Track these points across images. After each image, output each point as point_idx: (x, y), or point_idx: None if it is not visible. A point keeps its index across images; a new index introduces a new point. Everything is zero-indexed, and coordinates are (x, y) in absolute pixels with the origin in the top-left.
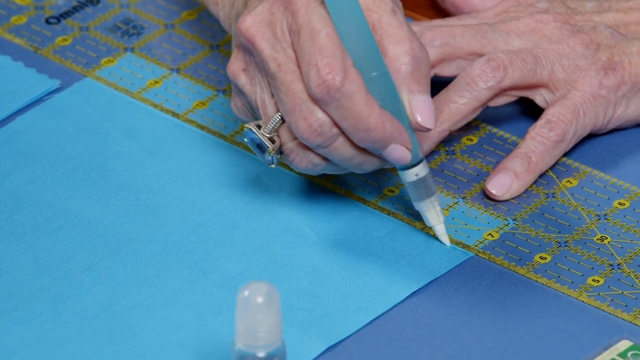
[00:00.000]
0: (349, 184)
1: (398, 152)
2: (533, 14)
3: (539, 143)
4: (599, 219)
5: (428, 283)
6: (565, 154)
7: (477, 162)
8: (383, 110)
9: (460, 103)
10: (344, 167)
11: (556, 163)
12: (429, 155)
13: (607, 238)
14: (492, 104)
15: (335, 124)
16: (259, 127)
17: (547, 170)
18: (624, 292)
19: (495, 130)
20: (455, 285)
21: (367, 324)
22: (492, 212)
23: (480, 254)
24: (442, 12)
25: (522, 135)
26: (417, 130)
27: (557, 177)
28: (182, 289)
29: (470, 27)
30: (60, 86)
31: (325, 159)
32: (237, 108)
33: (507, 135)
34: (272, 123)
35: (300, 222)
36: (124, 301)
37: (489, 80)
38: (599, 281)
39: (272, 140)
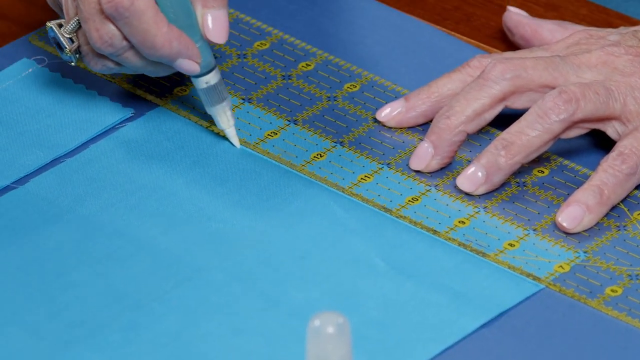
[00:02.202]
0: (421, 215)
1: (186, 65)
2: (604, 46)
3: (611, 175)
4: None
5: (498, 315)
6: (637, 187)
7: (548, 194)
8: (171, 28)
9: (532, 136)
10: (137, 72)
11: (628, 195)
12: (500, 188)
13: None
14: (564, 136)
15: (126, 38)
16: (60, 26)
17: (618, 203)
18: None
19: (566, 162)
20: (525, 317)
21: (437, 355)
22: (563, 244)
23: (550, 286)
24: (513, 45)
25: (593, 167)
26: (210, 43)
27: (628, 210)
28: (252, 318)
29: (541, 60)
30: (134, 114)
31: (119, 63)
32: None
33: (578, 167)
34: (72, 25)
35: (370, 252)
36: (195, 329)
37: (561, 113)
38: None
39: (72, 41)
